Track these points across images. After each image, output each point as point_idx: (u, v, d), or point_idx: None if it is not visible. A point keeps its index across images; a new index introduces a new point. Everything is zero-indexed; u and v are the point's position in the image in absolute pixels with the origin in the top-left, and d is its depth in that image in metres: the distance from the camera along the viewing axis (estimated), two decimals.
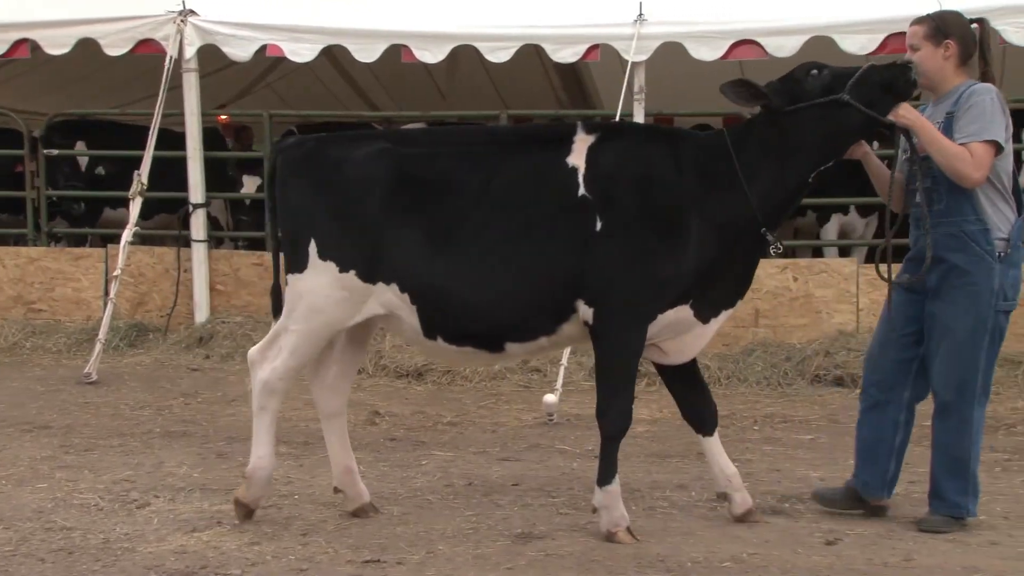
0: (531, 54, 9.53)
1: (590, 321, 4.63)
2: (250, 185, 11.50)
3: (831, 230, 10.21)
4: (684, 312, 4.67)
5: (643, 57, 8.65)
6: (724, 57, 8.64)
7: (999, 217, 4.70)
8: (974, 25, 4.84)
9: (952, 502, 4.78)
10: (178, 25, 9.17)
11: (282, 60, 9.98)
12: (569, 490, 5.47)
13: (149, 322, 9.75)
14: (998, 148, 4.62)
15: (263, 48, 9.28)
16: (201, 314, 9.59)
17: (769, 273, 8.79)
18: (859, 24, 8.23)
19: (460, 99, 12.15)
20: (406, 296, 4.75)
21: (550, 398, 7.13)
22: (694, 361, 4.92)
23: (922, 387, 4.94)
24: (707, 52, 8.61)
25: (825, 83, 4.58)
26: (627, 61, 8.64)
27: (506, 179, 4.72)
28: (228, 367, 8.71)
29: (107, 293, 9.04)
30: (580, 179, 4.64)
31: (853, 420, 6.95)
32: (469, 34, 9.01)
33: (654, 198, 4.61)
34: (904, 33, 7.85)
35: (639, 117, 8.91)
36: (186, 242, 9.70)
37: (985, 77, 4.80)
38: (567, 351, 7.54)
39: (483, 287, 4.66)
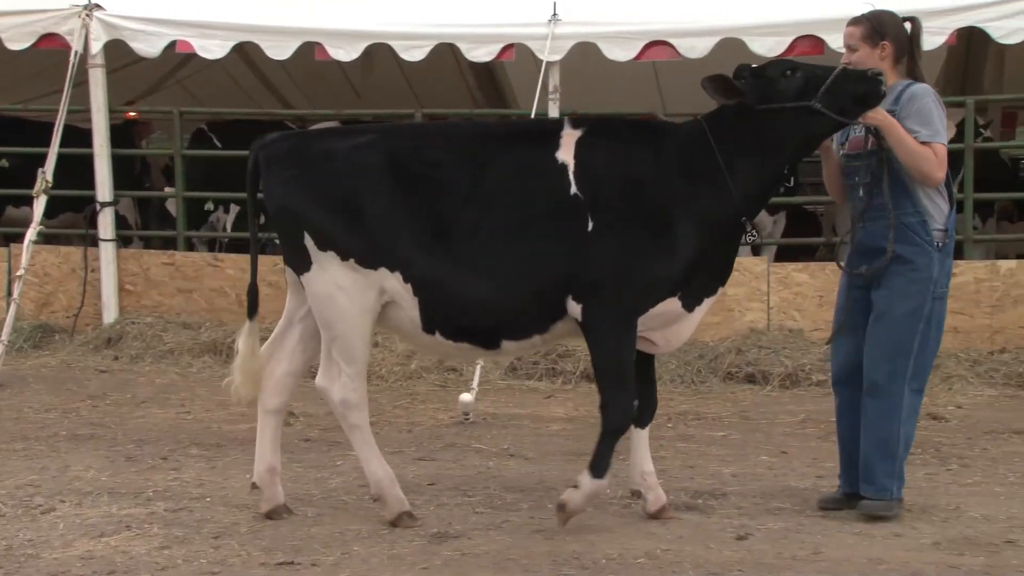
0: (446, 53, 9.51)
1: (579, 318, 4.66)
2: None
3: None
4: (672, 304, 4.72)
5: (557, 57, 8.69)
6: (637, 58, 8.72)
7: (935, 209, 4.86)
8: (906, 23, 4.98)
9: (880, 484, 4.88)
10: (83, 19, 8.96)
11: (192, 56, 9.81)
12: (485, 489, 5.47)
13: (55, 323, 9.53)
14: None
15: (172, 44, 9.12)
16: (109, 315, 9.40)
17: None
18: (768, 26, 8.37)
19: (375, 97, 12.08)
20: (409, 286, 4.72)
21: (466, 397, 7.12)
22: (651, 356, 4.95)
23: None
24: (620, 53, 8.68)
25: (798, 86, 4.64)
26: (542, 61, 8.67)
27: (499, 173, 4.73)
28: (138, 368, 8.55)
29: (10, 294, 8.78)
30: (571, 176, 4.66)
31: (764, 416, 7.17)
32: (383, 32, 8.96)
33: (644, 195, 4.65)
34: (811, 36, 8.26)
35: (553, 116, 8.95)
36: (93, 241, 9.49)
37: (913, 74, 4.94)
38: None
39: (484, 283, 4.66)
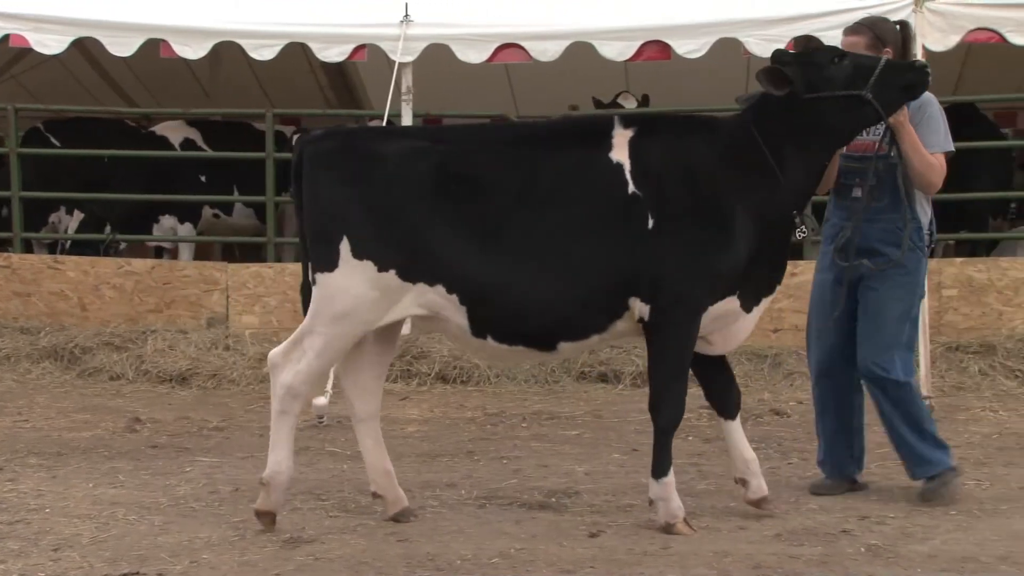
0: (297, 52, 9.39)
1: (646, 317, 4.63)
2: None
3: None
4: (732, 303, 4.70)
5: (410, 58, 8.68)
6: (490, 60, 8.77)
7: (923, 214, 5.10)
8: (898, 27, 5.11)
9: (932, 462, 5.09)
10: None
11: (29, 51, 9.42)
12: (339, 492, 5.42)
13: None
14: (948, 155, 5.03)
15: (6, 38, 8.75)
16: None
17: None
18: (617, 31, 8.52)
19: (224, 97, 11.82)
20: (454, 297, 4.62)
21: (320, 400, 7.03)
22: (723, 356, 4.98)
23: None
24: (473, 55, 8.72)
25: (847, 75, 4.59)
26: (395, 62, 8.64)
27: (551, 176, 4.65)
28: None
29: None
30: (627, 176, 4.61)
31: (614, 414, 7.28)
32: (232, 30, 8.79)
33: (702, 192, 4.61)
34: (659, 41, 8.46)
35: (407, 118, 8.94)
36: None
37: None
38: None
39: (537, 286, 4.59)
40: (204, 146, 10.78)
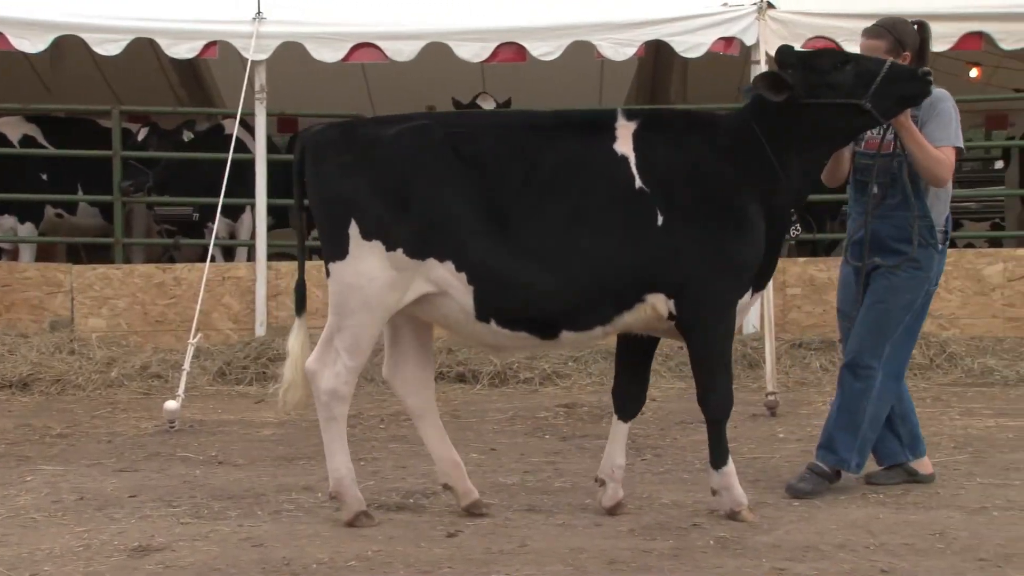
0: (145, 48, 9.16)
1: (675, 313, 4.65)
2: None
3: None
4: (749, 296, 4.77)
5: (263, 56, 8.56)
6: (345, 59, 8.72)
7: (938, 212, 5.15)
8: (916, 28, 5.14)
9: (840, 456, 5.18)
10: None
11: None
12: (191, 498, 5.29)
13: None
14: (959, 152, 5.08)
15: None
16: None
17: None
18: (472, 32, 8.57)
19: (67, 92, 11.41)
20: (463, 275, 4.59)
21: (171, 404, 6.86)
22: (652, 350, 5.00)
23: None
24: (328, 54, 8.65)
25: (848, 82, 4.62)
26: (247, 59, 8.50)
27: (558, 162, 4.64)
28: None
29: None
30: (633, 169, 4.62)
31: (472, 414, 7.31)
32: (74, 24, 8.53)
33: (711, 186, 4.64)
34: (514, 43, 8.53)
35: (261, 117, 8.82)
36: None
37: None
38: (189, 356, 7.31)
39: (547, 273, 4.57)
40: (45, 143, 10.37)
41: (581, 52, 8.58)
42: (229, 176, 7.97)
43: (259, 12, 8.50)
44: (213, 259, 8.73)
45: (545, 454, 6.18)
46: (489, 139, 4.74)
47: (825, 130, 4.75)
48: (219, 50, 8.73)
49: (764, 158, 4.67)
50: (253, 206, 9.14)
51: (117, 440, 6.60)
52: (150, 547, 4.53)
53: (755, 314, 8.32)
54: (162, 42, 8.70)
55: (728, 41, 8.41)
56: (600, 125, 4.77)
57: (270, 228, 9.61)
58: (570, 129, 4.83)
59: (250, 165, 8.97)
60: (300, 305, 4.94)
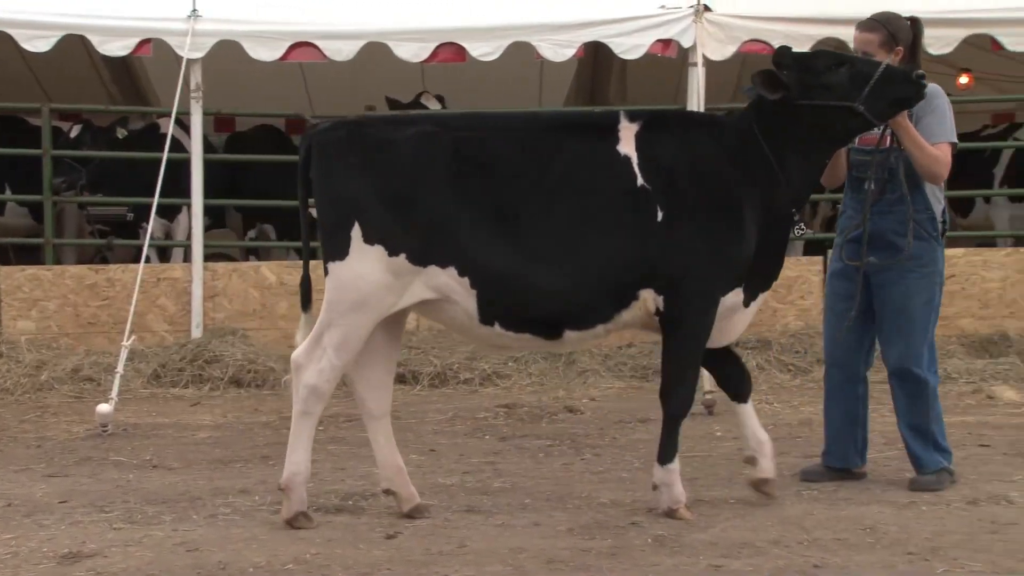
0: (77, 45, 8.99)
1: (662, 308, 4.71)
2: None
3: None
4: (738, 295, 4.81)
5: (198, 54, 8.45)
6: (283, 59, 8.63)
7: (936, 204, 5.21)
8: (909, 24, 5.20)
9: (925, 460, 5.28)
10: None
11: None
12: (124, 503, 5.21)
13: None
14: (954, 146, 5.13)
15: None
16: None
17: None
18: (412, 32, 8.53)
19: None
20: (465, 280, 4.64)
21: (104, 408, 6.75)
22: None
23: (870, 359, 5.46)
24: (266, 53, 8.55)
25: (842, 84, 4.67)
26: (183, 57, 8.38)
27: (561, 165, 4.70)
28: None
29: None
30: (635, 168, 4.68)
31: (412, 415, 7.28)
32: (2, 19, 8.34)
33: (709, 185, 4.70)
34: (454, 43, 8.52)
35: (197, 116, 8.70)
36: None
37: None
38: (123, 358, 7.20)
39: (549, 273, 4.63)
40: None
41: (521, 53, 8.59)
42: (165, 176, 7.87)
43: (195, 10, 8.39)
44: (148, 260, 8.61)
45: (485, 455, 6.18)
46: (496, 143, 4.80)
47: (821, 131, 4.82)
48: (153, 48, 8.59)
49: (763, 158, 4.76)
50: (190, 206, 9.01)
51: (47, 445, 6.48)
52: (81, 554, 4.45)
53: None
54: (94, 39, 8.54)
55: (666, 43, 8.47)
56: (604, 127, 4.85)
57: (207, 228, 9.49)
58: (574, 131, 4.93)
59: (186, 165, 8.84)
60: (305, 301, 4.93)
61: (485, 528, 4.81)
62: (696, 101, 8.27)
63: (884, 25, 5.17)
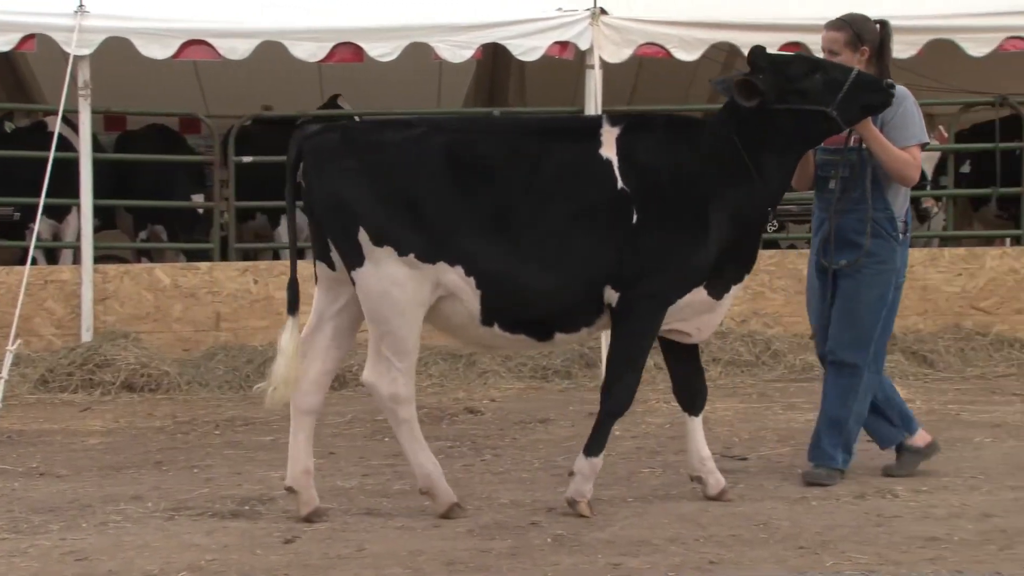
0: None
1: (614, 305, 4.77)
2: None
3: (283, 232, 10.37)
4: (699, 293, 4.86)
5: (86, 51, 8.24)
6: (176, 56, 8.45)
7: (899, 205, 5.26)
8: (877, 26, 5.24)
9: (826, 453, 5.34)
10: None
11: None
12: (9, 512, 5.05)
13: None
14: (923, 146, 5.22)
15: None
16: None
17: (230, 276, 8.78)
18: (309, 32, 8.44)
19: None
20: (472, 280, 4.70)
21: None
22: (695, 345, 5.09)
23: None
24: (158, 50, 8.36)
25: (816, 90, 4.78)
26: (69, 54, 8.16)
27: (550, 168, 4.77)
28: None
29: None
30: (616, 172, 4.76)
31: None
32: None
33: (682, 188, 4.79)
34: (351, 43, 8.45)
35: (85, 114, 8.49)
36: None
37: (883, 75, 5.13)
38: (7, 363, 7.00)
39: (546, 275, 4.72)
40: None
41: (419, 53, 8.57)
42: (53, 175, 7.67)
43: (81, 5, 8.17)
44: (35, 261, 8.37)
45: (384, 457, 6.14)
46: (487, 146, 4.86)
47: (795, 134, 4.91)
48: (37, 43, 8.36)
49: (739, 160, 4.86)
50: (79, 206, 8.77)
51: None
52: None
53: None
54: None
55: (563, 45, 8.54)
56: (587, 131, 4.95)
57: (96, 230, 9.26)
58: (559, 135, 4.99)
59: (75, 164, 8.61)
60: (292, 304, 4.88)
61: (384, 531, 4.79)
62: (593, 103, 8.37)
63: (850, 25, 5.29)
